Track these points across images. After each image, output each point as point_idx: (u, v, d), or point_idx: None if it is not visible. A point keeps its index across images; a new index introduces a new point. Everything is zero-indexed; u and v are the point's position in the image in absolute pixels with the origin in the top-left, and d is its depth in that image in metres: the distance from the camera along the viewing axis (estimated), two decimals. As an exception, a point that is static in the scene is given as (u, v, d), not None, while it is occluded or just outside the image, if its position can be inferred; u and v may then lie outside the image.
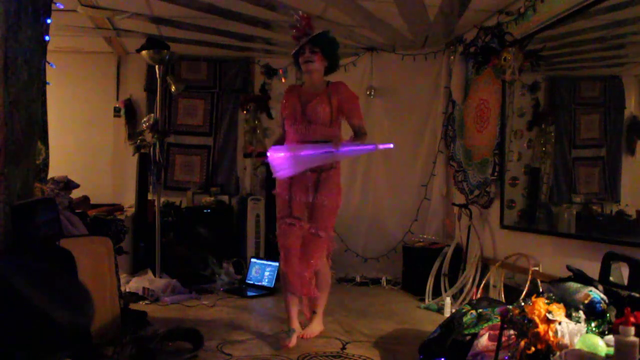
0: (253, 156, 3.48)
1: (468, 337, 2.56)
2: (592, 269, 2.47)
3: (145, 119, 4.65)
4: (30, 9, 2.63)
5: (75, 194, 4.16)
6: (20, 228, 2.40)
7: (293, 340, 3.12)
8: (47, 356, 1.84)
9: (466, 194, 4.69)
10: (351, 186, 5.40)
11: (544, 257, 3.54)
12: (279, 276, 4.57)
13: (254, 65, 5.67)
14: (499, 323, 2.17)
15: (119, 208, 4.98)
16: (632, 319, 1.74)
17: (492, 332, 2.36)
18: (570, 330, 2.03)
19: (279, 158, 3.10)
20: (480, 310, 2.73)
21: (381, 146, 3.07)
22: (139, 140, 4.66)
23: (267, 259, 4.87)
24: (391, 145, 3.09)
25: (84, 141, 5.47)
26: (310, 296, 3.30)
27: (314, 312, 3.39)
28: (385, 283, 5.00)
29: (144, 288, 4.18)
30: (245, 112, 5.58)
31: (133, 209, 5.02)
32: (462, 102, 4.80)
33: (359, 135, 3.24)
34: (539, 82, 3.92)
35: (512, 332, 2.14)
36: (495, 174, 4.19)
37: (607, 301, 2.16)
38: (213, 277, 4.79)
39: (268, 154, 3.16)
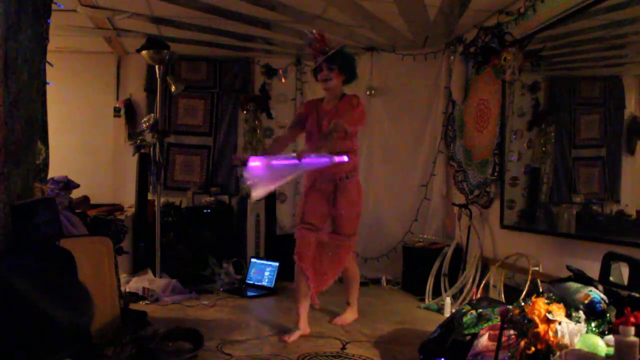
0: (239, 166, 3.50)
1: (468, 337, 2.56)
2: (592, 269, 2.47)
3: (145, 119, 4.65)
4: (30, 9, 2.63)
5: (75, 194, 4.16)
6: (20, 228, 2.40)
7: (293, 337, 3.17)
8: (47, 356, 1.84)
9: (466, 194, 4.70)
10: (351, 186, 5.40)
11: (544, 257, 3.54)
12: (279, 276, 4.63)
13: (254, 65, 5.66)
14: (499, 323, 2.17)
15: (119, 208, 4.98)
16: (632, 319, 1.74)
17: (492, 332, 2.36)
18: (570, 330, 2.03)
19: (256, 167, 3.14)
20: (480, 310, 2.73)
21: (336, 159, 3.11)
22: (139, 140, 4.66)
23: (267, 259, 4.87)
24: (345, 159, 3.16)
25: (84, 141, 5.47)
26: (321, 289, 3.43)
27: (347, 303, 3.69)
28: (385, 283, 4.99)
29: (144, 288, 4.18)
30: (245, 112, 5.58)
31: (133, 209, 5.02)
32: (462, 102, 4.80)
33: (328, 132, 3.24)
34: (539, 82, 3.92)
35: (512, 332, 2.14)
36: (495, 174, 4.19)
37: (607, 301, 2.16)
38: (213, 277, 4.79)
39: (250, 163, 3.18)
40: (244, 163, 3.12)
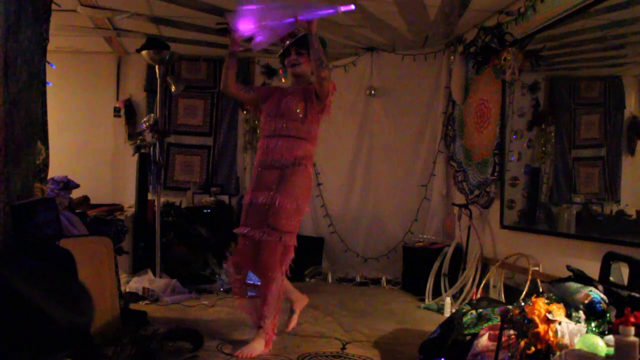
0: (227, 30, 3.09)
1: (468, 337, 2.56)
2: (592, 269, 2.47)
3: (145, 119, 4.64)
4: (30, 9, 2.63)
5: (75, 194, 4.16)
6: (20, 228, 2.40)
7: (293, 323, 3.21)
8: (47, 356, 1.84)
9: (466, 194, 4.69)
10: (351, 186, 5.41)
11: (544, 257, 3.54)
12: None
13: (254, 65, 5.67)
14: (499, 323, 2.17)
15: (119, 208, 4.98)
16: (632, 319, 1.74)
17: (492, 332, 2.36)
18: (570, 330, 2.03)
19: (247, 30, 2.92)
20: (480, 310, 2.74)
21: (342, 8, 2.81)
22: (139, 140, 4.66)
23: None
24: (352, 7, 2.86)
25: (84, 141, 5.47)
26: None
27: (258, 327, 3.00)
28: (385, 283, 4.99)
29: (144, 288, 4.18)
30: (245, 112, 5.58)
31: (133, 209, 5.02)
32: (462, 102, 4.80)
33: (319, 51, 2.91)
34: (539, 82, 3.92)
35: (512, 332, 2.14)
36: (495, 174, 4.19)
37: (607, 301, 2.16)
38: (213, 277, 4.79)
39: (239, 26, 2.92)
40: (232, 28, 2.84)
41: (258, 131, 5.55)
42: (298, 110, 2.96)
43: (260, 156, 3.03)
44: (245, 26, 2.92)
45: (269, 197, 2.88)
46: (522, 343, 2.05)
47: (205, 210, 5.21)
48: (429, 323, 3.51)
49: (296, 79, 3.11)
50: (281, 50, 3.12)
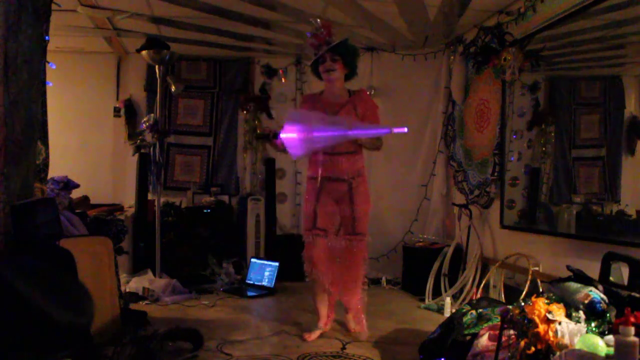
0: (270, 138, 3.39)
1: (468, 337, 2.56)
2: (592, 269, 2.47)
3: (145, 119, 4.64)
4: (30, 9, 2.63)
5: (75, 194, 4.16)
6: (20, 228, 2.40)
7: (313, 336, 3.24)
8: (47, 356, 1.84)
9: (466, 194, 4.70)
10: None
11: (544, 257, 3.54)
12: (279, 276, 4.62)
13: (254, 65, 5.66)
14: (499, 323, 2.17)
15: (119, 208, 4.98)
16: (632, 319, 1.74)
17: (492, 332, 2.36)
18: (570, 330, 2.03)
19: (292, 139, 3.03)
20: (480, 310, 2.74)
21: (395, 130, 3.01)
22: (139, 140, 4.66)
23: (267, 259, 4.87)
24: (405, 129, 3.06)
25: (84, 141, 5.47)
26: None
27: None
28: (385, 283, 4.99)
29: (144, 288, 4.18)
30: (245, 112, 5.58)
31: (133, 209, 5.02)
32: (462, 102, 4.80)
33: (374, 139, 3.29)
34: (539, 82, 3.92)
35: (512, 332, 2.14)
36: (495, 174, 4.19)
37: (607, 301, 2.16)
38: (213, 277, 4.79)
39: (282, 135, 3.05)
40: (275, 136, 3.01)
41: (258, 131, 5.55)
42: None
43: (318, 170, 3.24)
44: (290, 132, 3.03)
45: (345, 209, 3.27)
46: (522, 343, 2.05)
47: (205, 210, 5.21)
48: (429, 323, 3.51)
49: (331, 84, 3.27)
50: (314, 58, 3.23)
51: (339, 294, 3.37)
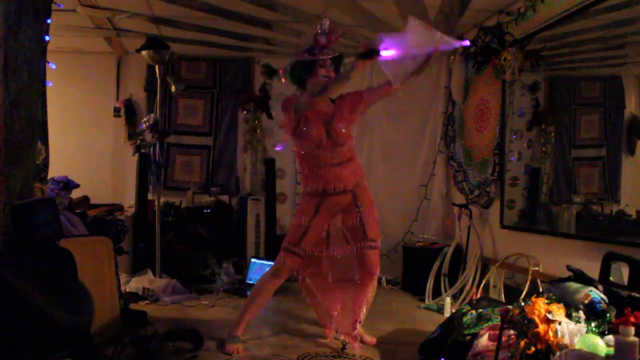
0: (373, 55, 2.80)
1: (468, 337, 2.56)
2: (592, 269, 2.47)
3: (145, 119, 4.64)
4: (30, 9, 2.63)
5: (75, 194, 4.16)
6: (20, 228, 2.40)
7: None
8: (47, 356, 1.84)
9: (466, 194, 4.70)
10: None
11: (544, 257, 3.54)
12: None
13: (254, 65, 5.66)
14: (499, 323, 2.17)
15: (119, 208, 4.98)
16: (632, 319, 1.74)
17: (492, 332, 2.36)
18: (570, 330, 2.03)
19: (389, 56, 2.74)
20: (480, 310, 2.74)
21: (457, 43, 2.83)
22: (139, 140, 4.65)
23: (267, 259, 4.86)
24: (467, 42, 3.00)
25: (84, 141, 5.46)
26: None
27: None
28: (385, 283, 4.99)
29: (144, 288, 4.18)
30: (245, 112, 5.58)
31: (133, 209, 5.02)
32: (462, 102, 4.80)
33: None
34: (539, 82, 3.93)
35: (512, 332, 2.14)
36: (495, 174, 4.19)
37: (607, 301, 2.16)
38: (213, 277, 4.78)
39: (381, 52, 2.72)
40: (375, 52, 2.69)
41: (258, 131, 5.55)
42: (344, 130, 3.02)
43: (316, 185, 3.05)
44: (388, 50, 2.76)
45: (352, 219, 3.08)
46: (522, 343, 2.05)
47: (205, 210, 5.21)
48: (429, 323, 3.51)
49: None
50: (310, 57, 2.98)
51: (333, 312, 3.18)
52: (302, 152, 3.06)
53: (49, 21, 2.98)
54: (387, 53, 2.72)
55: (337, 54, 3.04)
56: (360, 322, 3.09)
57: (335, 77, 3.00)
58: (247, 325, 3.15)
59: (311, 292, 3.25)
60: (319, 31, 3.01)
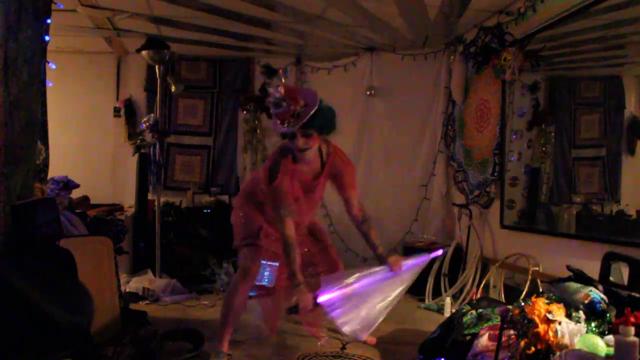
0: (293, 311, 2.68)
1: (468, 337, 2.56)
2: (592, 269, 2.47)
3: (145, 119, 4.64)
4: (30, 9, 2.63)
5: (75, 194, 4.16)
6: (20, 228, 2.40)
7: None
8: (47, 356, 1.84)
9: (466, 194, 4.69)
10: (351, 186, 5.40)
11: (544, 257, 3.54)
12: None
13: (254, 65, 5.66)
14: (499, 323, 2.17)
15: (119, 208, 4.98)
16: (632, 319, 1.74)
17: (492, 332, 2.36)
18: (570, 330, 2.03)
19: (332, 298, 2.61)
20: (480, 310, 2.74)
21: (432, 254, 3.03)
22: (139, 140, 4.66)
23: (267, 259, 4.86)
24: (440, 252, 3.21)
25: (84, 141, 5.47)
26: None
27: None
28: (385, 283, 4.99)
29: (144, 288, 4.18)
30: (245, 112, 5.58)
31: (133, 209, 5.02)
32: (462, 102, 4.80)
33: (365, 217, 3.13)
34: (539, 82, 3.92)
35: (512, 332, 2.14)
36: (495, 174, 4.19)
37: (607, 301, 2.16)
38: (213, 277, 4.78)
39: (319, 299, 2.59)
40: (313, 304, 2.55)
41: (258, 131, 5.54)
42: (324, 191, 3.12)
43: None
44: (326, 296, 2.62)
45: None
46: (522, 343, 2.05)
47: (205, 210, 5.21)
48: (429, 323, 3.51)
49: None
50: (283, 130, 2.68)
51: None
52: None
53: (49, 21, 2.98)
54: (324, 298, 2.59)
55: (302, 117, 2.60)
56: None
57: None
58: (233, 330, 2.97)
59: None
60: (277, 103, 2.65)
